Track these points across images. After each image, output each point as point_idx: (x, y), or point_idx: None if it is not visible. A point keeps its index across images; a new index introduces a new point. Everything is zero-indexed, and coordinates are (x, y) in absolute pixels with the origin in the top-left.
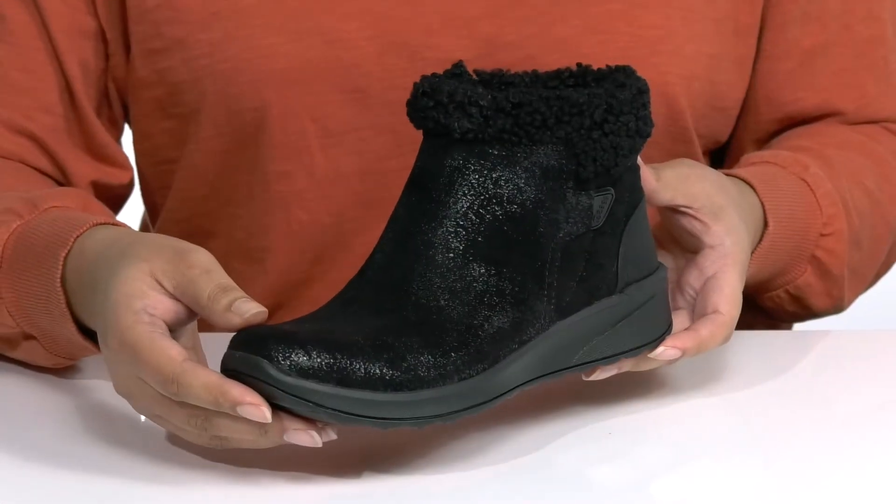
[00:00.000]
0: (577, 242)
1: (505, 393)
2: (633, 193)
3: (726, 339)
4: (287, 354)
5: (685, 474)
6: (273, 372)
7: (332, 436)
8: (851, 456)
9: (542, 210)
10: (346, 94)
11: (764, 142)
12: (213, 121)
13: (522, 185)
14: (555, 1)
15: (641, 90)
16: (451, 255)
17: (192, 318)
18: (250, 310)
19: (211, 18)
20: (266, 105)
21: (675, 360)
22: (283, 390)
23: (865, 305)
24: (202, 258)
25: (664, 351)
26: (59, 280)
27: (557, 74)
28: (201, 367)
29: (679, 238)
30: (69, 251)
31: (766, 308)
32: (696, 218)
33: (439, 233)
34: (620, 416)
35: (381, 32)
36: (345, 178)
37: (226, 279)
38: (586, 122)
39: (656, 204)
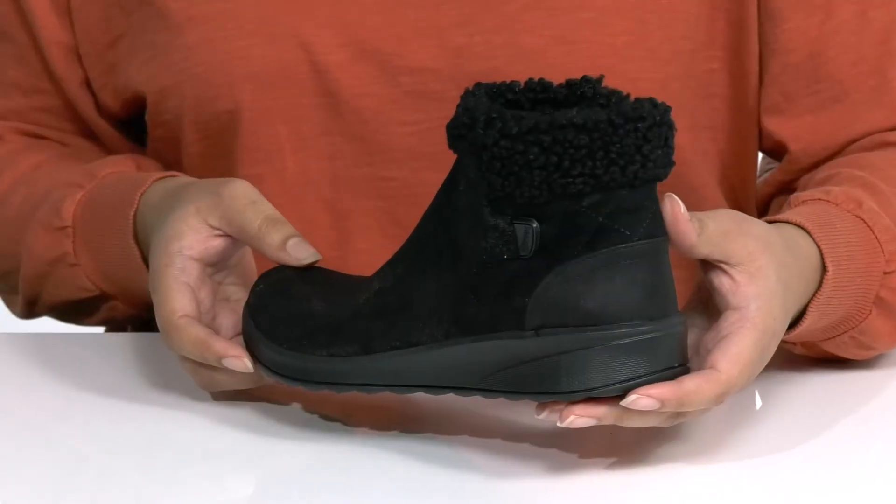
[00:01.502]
0: (499, 266)
1: (392, 385)
2: (588, 234)
3: (719, 398)
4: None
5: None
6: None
7: None
8: (853, 462)
9: (467, 223)
10: (318, 99)
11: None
12: (194, 125)
13: (461, 190)
14: (525, 11)
15: (576, 125)
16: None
17: (237, 251)
18: (307, 258)
19: (187, 23)
20: (239, 108)
21: (652, 410)
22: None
23: None
24: (244, 189)
25: (636, 399)
26: (131, 236)
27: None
28: (193, 323)
29: (708, 295)
30: (136, 209)
31: (827, 350)
32: (728, 275)
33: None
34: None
35: (353, 40)
36: (314, 183)
37: (272, 210)
38: (478, 140)
39: (692, 257)
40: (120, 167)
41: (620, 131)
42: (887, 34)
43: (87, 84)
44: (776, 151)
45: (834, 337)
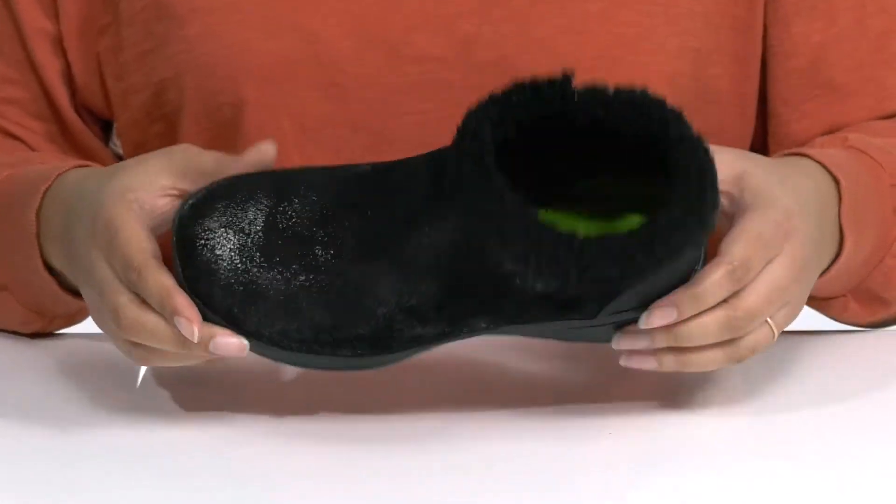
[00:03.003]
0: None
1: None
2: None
3: (730, 277)
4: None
5: (681, 480)
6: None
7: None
8: (849, 458)
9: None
10: (324, 91)
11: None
12: (194, 118)
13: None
14: (534, 1)
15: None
16: (422, 262)
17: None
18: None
19: (190, 15)
20: (243, 100)
21: (671, 320)
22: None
23: None
24: (189, 144)
25: (652, 314)
26: (33, 211)
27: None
28: (164, 268)
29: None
30: (49, 186)
31: (883, 294)
32: (724, 194)
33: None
34: (621, 416)
35: (359, 29)
36: None
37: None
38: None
39: None
40: (56, 161)
41: None
42: (883, 42)
43: (68, 77)
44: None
45: (877, 266)
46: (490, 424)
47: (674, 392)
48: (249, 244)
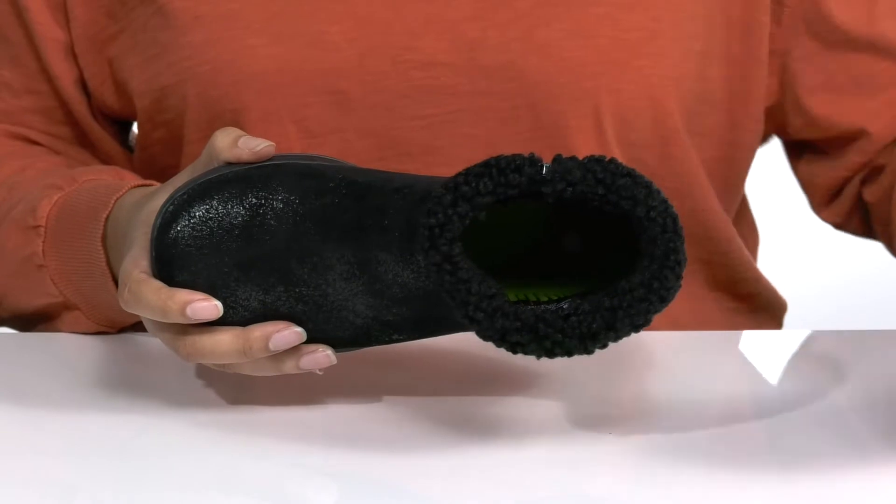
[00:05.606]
0: None
1: None
2: None
3: None
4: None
5: (677, 477)
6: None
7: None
8: (845, 458)
9: None
10: (328, 97)
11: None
12: (196, 125)
13: None
14: (538, 4)
15: None
16: (396, 293)
17: None
18: (259, 144)
19: (194, 22)
20: (245, 107)
21: None
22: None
23: (861, 306)
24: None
25: None
26: (99, 240)
27: None
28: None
29: None
30: (109, 212)
31: None
32: None
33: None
34: (621, 416)
35: (362, 35)
36: None
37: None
38: None
39: None
40: (102, 175)
41: None
42: None
43: (82, 84)
44: (842, 138)
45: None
46: (489, 424)
47: (675, 392)
48: (226, 259)
